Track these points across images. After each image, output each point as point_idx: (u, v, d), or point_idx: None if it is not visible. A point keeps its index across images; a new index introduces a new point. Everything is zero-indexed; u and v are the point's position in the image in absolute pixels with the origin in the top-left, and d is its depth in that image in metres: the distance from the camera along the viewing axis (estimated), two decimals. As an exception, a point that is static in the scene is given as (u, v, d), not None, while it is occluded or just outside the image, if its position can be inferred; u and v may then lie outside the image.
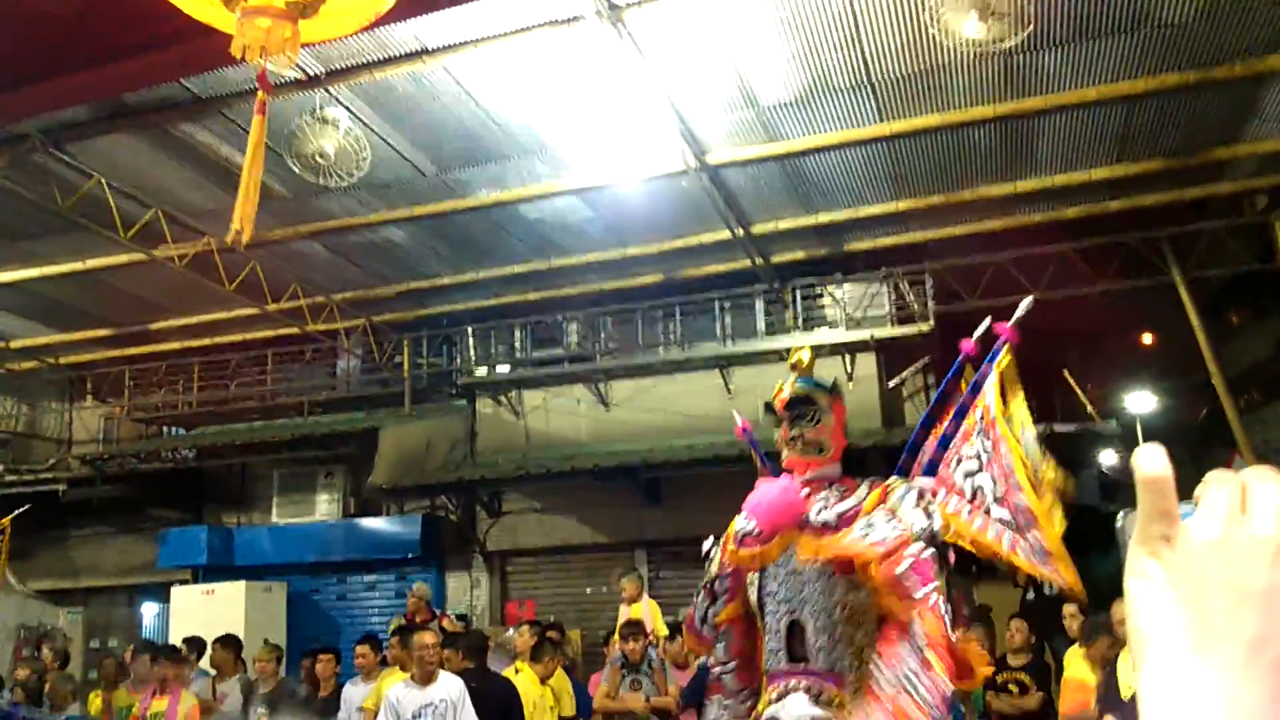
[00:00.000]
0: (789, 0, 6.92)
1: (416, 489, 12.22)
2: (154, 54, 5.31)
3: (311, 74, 7.52)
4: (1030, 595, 9.85)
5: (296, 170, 8.05)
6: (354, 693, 7.33)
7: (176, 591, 12.00)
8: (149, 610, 13.87)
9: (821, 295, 11.52)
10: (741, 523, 3.50)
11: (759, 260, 10.68)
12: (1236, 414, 10.51)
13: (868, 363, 11.12)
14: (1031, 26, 6.36)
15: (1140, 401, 16.06)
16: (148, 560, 13.04)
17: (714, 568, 3.65)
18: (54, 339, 13.32)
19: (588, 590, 12.04)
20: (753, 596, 3.53)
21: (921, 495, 3.32)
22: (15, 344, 13.27)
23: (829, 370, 11.12)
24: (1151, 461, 0.62)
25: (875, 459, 8.49)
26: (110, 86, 6.79)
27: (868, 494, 3.37)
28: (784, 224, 10.27)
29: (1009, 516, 3.31)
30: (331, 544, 12.43)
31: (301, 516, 12.94)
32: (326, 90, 7.74)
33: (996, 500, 3.35)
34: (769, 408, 3.59)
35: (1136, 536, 0.63)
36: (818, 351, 11.89)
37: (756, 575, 3.50)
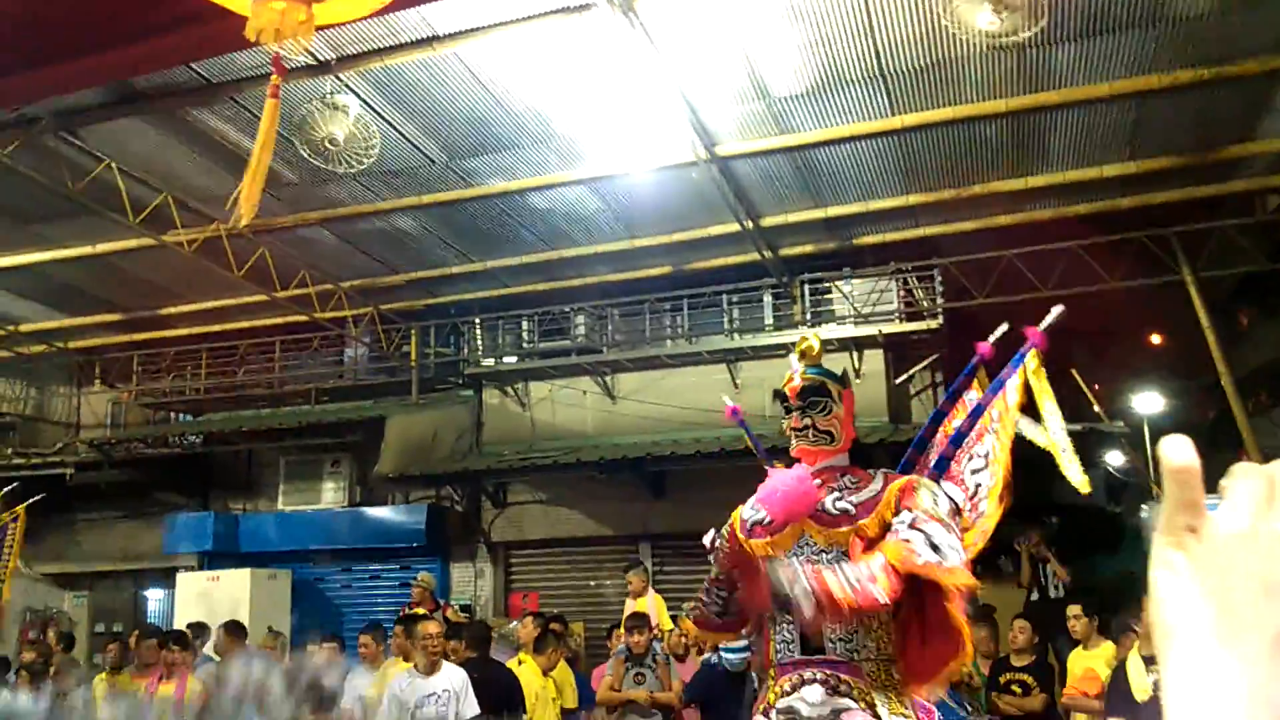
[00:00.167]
0: (802, -9, 6.89)
1: (422, 478, 12.23)
2: (165, 37, 5.29)
3: (322, 59, 7.52)
4: (1035, 596, 9.82)
5: (306, 155, 8.04)
6: (356, 681, 7.34)
7: (182, 577, 12.03)
8: (154, 595, 13.92)
9: (830, 290, 11.49)
10: (750, 512, 3.48)
11: (768, 253, 10.65)
12: (1245, 415, 10.46)
13: (875, 359, 11.09)
14: (1045, 20, 6.32)
15: (1148, 402, 15.99)
16: (154, 545, 13.08)
17: (719, 556, 3.65)
18: (63, 323, 13.34)
19: (592, 583, 12.05)
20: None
21: (958, 511, 3.30)
22: (24, 328, 13.30)
23: (838, 365, 11.06)
24: (1179, 452, 0.61)
25: (882, 455, 8.45)
26: (121, 70, 6.77)
27: (884, 485, 3.35)
28: (793, 217, 10.24)
29: (983, 511, 3.34)
30: (337, 532, 12.45)
31: (307, 504, 12.96)
32: (337, 77, 7.73)
33: (983, 498, 3.37)
34: (780, 395, 3.57)
35: (1162, 527, 0.62)
36: (826, 346, 11.84)
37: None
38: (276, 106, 4.38)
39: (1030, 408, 3.61)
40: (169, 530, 12.68)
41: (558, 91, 8.01)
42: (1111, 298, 10.38)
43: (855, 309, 11.16)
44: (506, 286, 12.12)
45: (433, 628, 6.34)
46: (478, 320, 12.84)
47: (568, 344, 12.37)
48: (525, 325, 12.60)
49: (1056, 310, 3.44)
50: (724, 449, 9.93)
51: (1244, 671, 0.56)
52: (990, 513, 3.38)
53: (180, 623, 9.74)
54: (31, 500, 10.32)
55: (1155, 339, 15.01)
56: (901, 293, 11.17)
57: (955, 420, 3.64)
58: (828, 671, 3.24)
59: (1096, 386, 12.06)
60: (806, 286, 11.50)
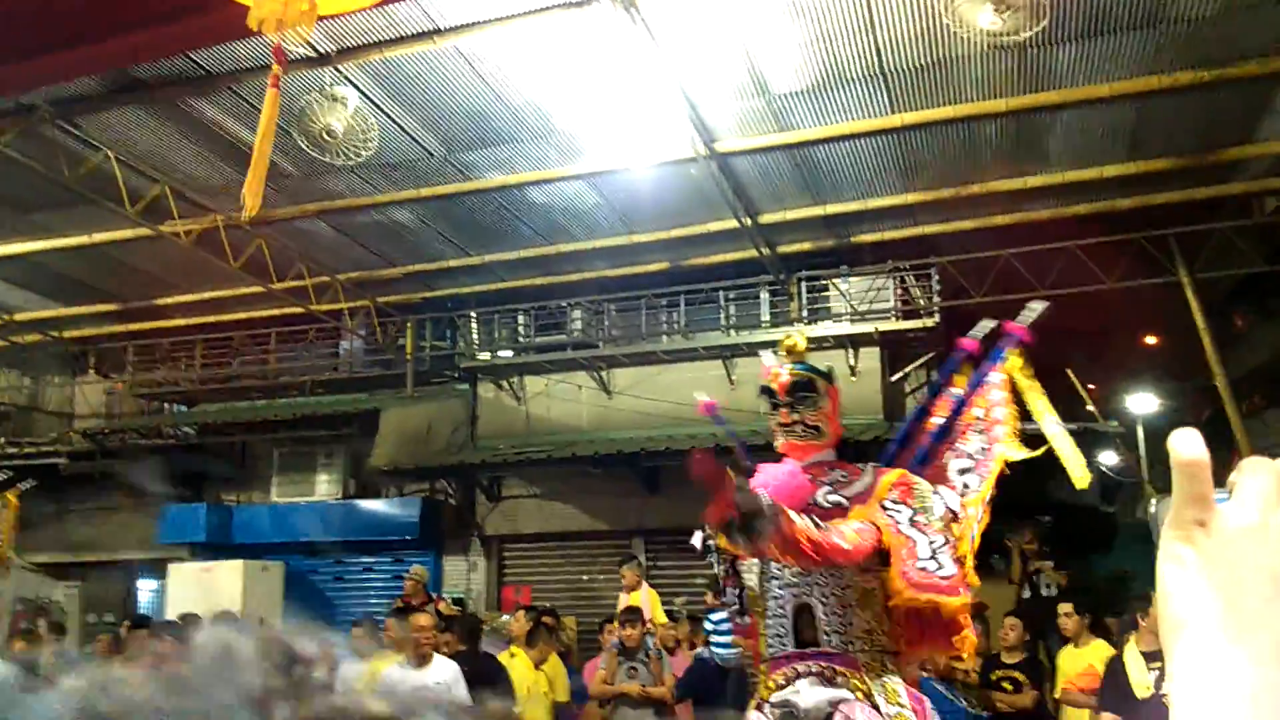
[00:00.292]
0: (803, -12, 6.88)
1: (416, 471, 12.22)
2: (165, 26, 5.29)
3: (322, 51, 7.50)
4: (1026, 594, 9.85)
5: (304, 147, 8.02)
6: (347, 673, 7.33)
7: (174, 568, 12.00)
8: (146, 586, 13.89)
9: (827, 288, 11.50)
10: None
11: (766, 250, 10.65)
12: (1239, 417, 10.48)
13: (871, 356, 11.10)
14: (1046, 20, 6.32)
15: (1143, 402, 16.02)
16: (146, 536, 13.06)
17: (715, 555, 3.64)
18: (58, 313, 13.30)
19: (585, 577, 12.04)
20: (751, 581, 3.51)
21: (954, 516, 3.33)
22: (19, 317, 13.27)
23: (834, 363, 11.05)
24: (1188, 445, 0.60)
25: (876, 452, 8.47)
26: (120, 59, 6.77)
27: (875, 479, 3.37)
28: (792, 214, 10.24)
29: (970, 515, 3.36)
30: (330, 524, 12.42)
31: (301, 496, 12.94)
32: (336, 68, 7.71)
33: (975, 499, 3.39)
34: (766, 392, 3.59)
35: (1170, 521, 0.61)
36: (822, 343, 11.90)
37: (757, 560, 3.49)
38: (277, 97, 4.38)
39: (1019, 405, 3.62)
40: (162, 521, 12.64)
41: (558, 86, 8.00)
42: (1108, 298, 10.40)
43: (852, 307, 11.16)
44: (503, 280, 12.11)
45: (425, 620, 6.34)
46: (474, 314, 12.82)
47: (564, 339, 12.36)
48: (521, 319, 12.59)
49: (1038, 306, 3.45)
50: (719, 445, 9.92)
51: (1253, 667, 0.56)
52: (977, 518, 3.40)
53: (172, 614, 9.73)
54: (21, 487, 10.29)
55: (1151, 340, 15.03)
56: (898, 291, 11.18)
57: (938, 415, 3.66)
58: (823, 664, 3.24)
59: (1092, 386, 12.07)
60: (804, 284, 11.51)
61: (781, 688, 3.27)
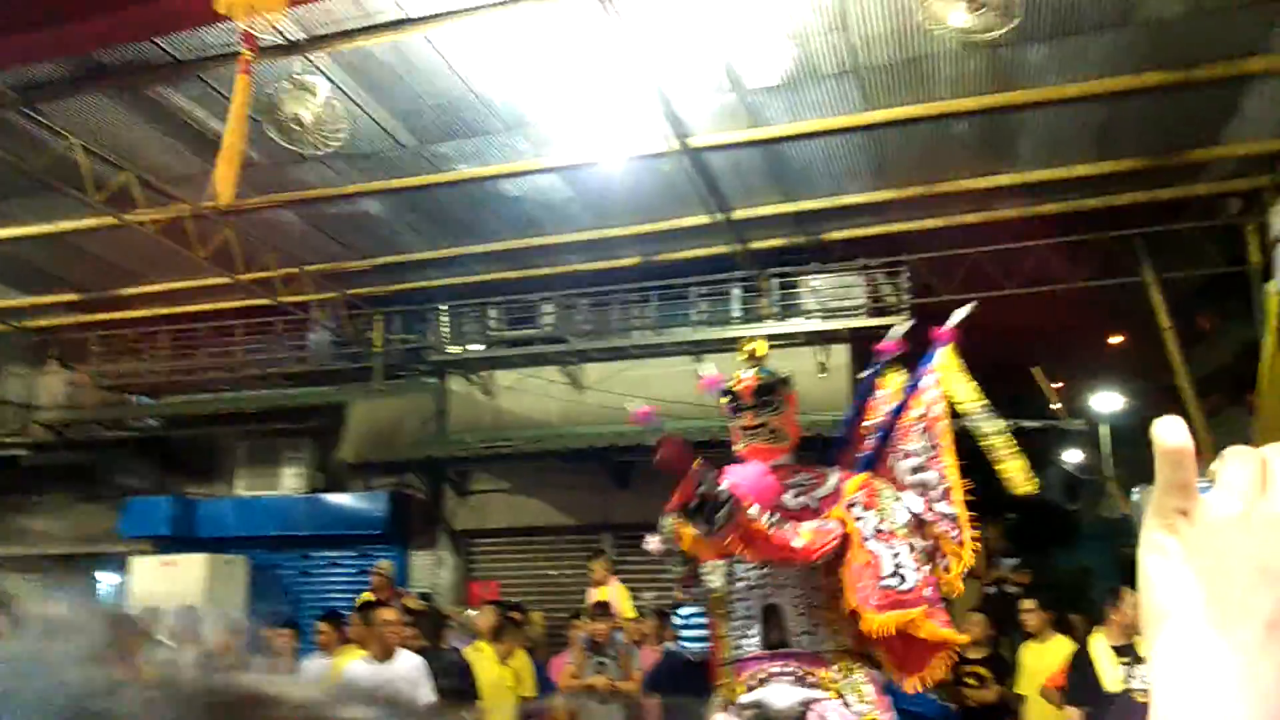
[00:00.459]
0: (777, -17, 6.89)
1: (384, 466, 12.13)
2: (130, 10, 5.19)
3: (291, 39, 7.40)
4: (991, 589, 9.94)
5: (272, 136, 7.93)
6: (312, 667, 7.28)
7: (136, 562, 11.85)
8: (108, 580, 13.70)
9: (798, 284, 11.53)
10: None
11: (737, 246, 10.67)
12: (1202, 417, 10.61)
13: (841, 354, 11.14)
14: (1018, 19, 6.35)
15: (1107, 401, 16.22)
16: (109, 529, 12.87)
17: (677, 556, 3.64)
18: (20, 302, 13.09)
19: (553, 572, 12.01)
20: (718, 583, 3.52)
21: (921, 524, 3.36)
22: (-21, 306, 13.05)
23: (804, 360, 11.13)
24: (1171, 432, 0.60)
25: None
26: (84, 43, 6.66)
27: (839, 483, 3.40)
28: (764, 210, 10.26)
29: (948, 513, 3.40)
30: (296, 518, 12.29)
31: (266, 490, 12.79)
32: (306, 57, 7.63)
33: (941, 498, 3.43)
34: (730, 395, 3.61)
35: (1152, 510, 0.61)
36: (792, 340, 11.93)
37: (722, 562, 3.50)
38: (247, 83, 4.33)
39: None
40: (124, 514, 12.47)
41: (530, 78, 7.95)
42: (1075, 297, 10.52)
43: (822, 304, 11.21)
44: (474, 274, 12.04)
45: (390, 614, 6.30)
46: (444, 307, 12.74)
47: (534, 333, 12.31)
48: (492, 313, 12.53)
49: (964, 309, 3.53)
50: (689, 440, 9.93)
51: (1236, 657, 0.55)
52: (958, 513, 3.45)
53: (134, 608, 9.59)
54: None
55: (1116, 339, 15.21)
56: (868, 288, 11.24)
57: (870, 419, 3.76)
58: (794, 664, 3.27)
59: (1058, 384, 12.20)
60: (775, 280, 11.53)
61: (752, 689, 3.29)
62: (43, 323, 13.82)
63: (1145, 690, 5.46)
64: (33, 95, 8.22)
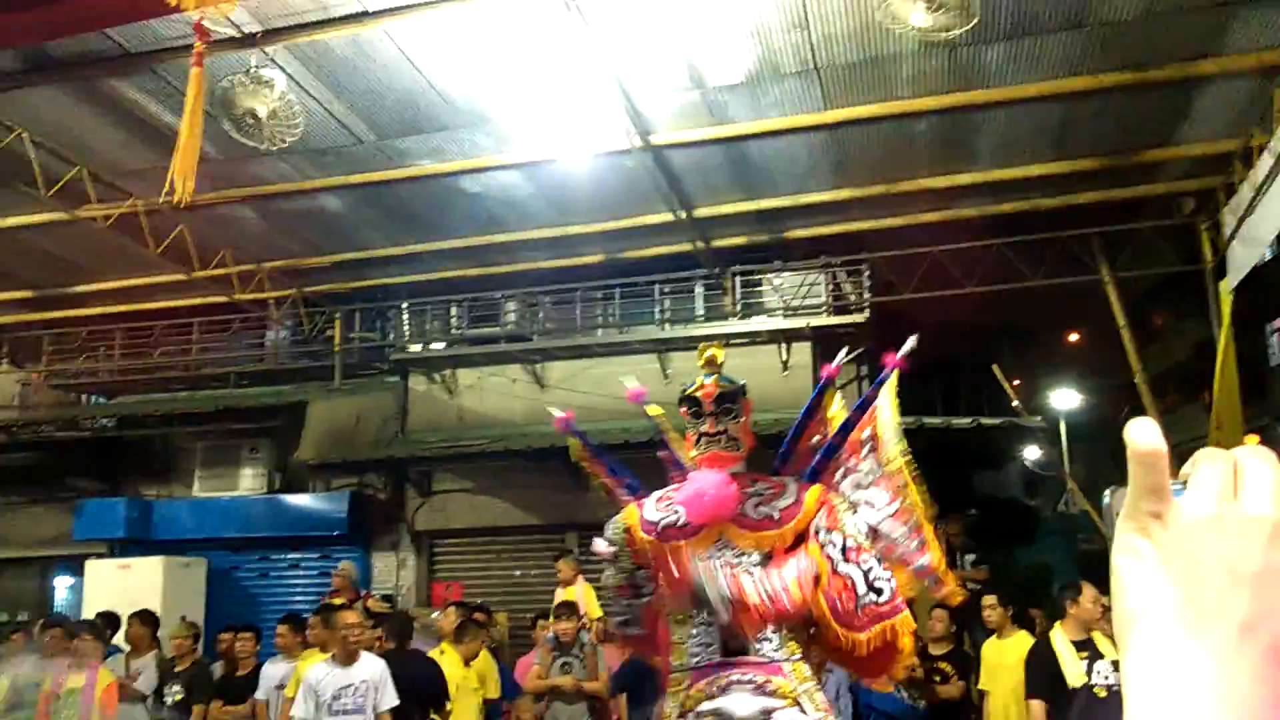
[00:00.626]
0: (738, -19, 6.88)
1: (345, 466, 12.00)
2: (78, 1, 5.08)
3: (247, 32, 7.29)
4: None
5: (227, 130, 7.81)
6: (273, 671, 7.18)
7: (91, 565, 11.64)
8: (62, 584, 13.44)
9: (760, 282, 11.57)
10: (656, 514, 3.49)
11: (700, 244, 10.67)
12: (1158, 414, 10.77)
13: (803, 351, 11.19)
14: (977, 19, 6.40)
15: (1065, 398, 16.44)
16: (62, 532, 12.63)
17: (622, 559, 3.63)
18: (-32, 300, 12.81)
19: (517, 573, 11.95)
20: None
21: (876, 534, 3.44)
22: (-74, 304, 12.74)
23: (766, 357, 11.17)
24: (1144, 434, 0.58)
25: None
26: (32, 33, 6.50)
27: (799, 494, 3.49)
28: (726, 208, 10.28)
29: (903, 528, 3.44)
30: (255, 520, 12.14)
31: (224, 491, 12.62)
32: (263, 50, 7.51)
33: (891, 516, 3.50)
34: (691, 402, 3.61)
35: (1125, 512, 0.60)
36: (755, 338, 11.96)
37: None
38: (201, 75, 4.25)
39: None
40: (79, 516, 12.24)
41: (492, 73, 7.89)
42: (1033, 296, 10.63)
43: (785, 302, 11.25)
44: (435, 271, 11.95)
45: (352, 617, 6.22)
46: (405, 305, 12.64)
47: (497, 331, 12.24)
48: (454, 311, 12.44)
49: (910, 341, 3.61)
50: (652, 439, 9.91)
51: (1209, 660, 0.55)
52: (937, 554, 3.52)
53: (89, 612, 9.42)
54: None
55: (1074, 337, 15.42)
56: (830, 286, 11.30)
57: (812, 437, 3.83)
58: (754, 672, 3.29)
59: (1017, 382, 12.34)
60: (737, 278, 11.56)
61: (712, 696, 3.30)
62: (-7, 321, 13.53)
63: (1106, 685, 5.53)
64: (-20, 87, 8.04)
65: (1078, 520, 13.66)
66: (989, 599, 7.43)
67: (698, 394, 3.61)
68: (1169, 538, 0.58)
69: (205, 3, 3.55)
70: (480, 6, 7.00)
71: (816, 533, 3.40)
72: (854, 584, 3.29)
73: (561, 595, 8.53)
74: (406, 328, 12.78)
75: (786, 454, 3.82)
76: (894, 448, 3.53)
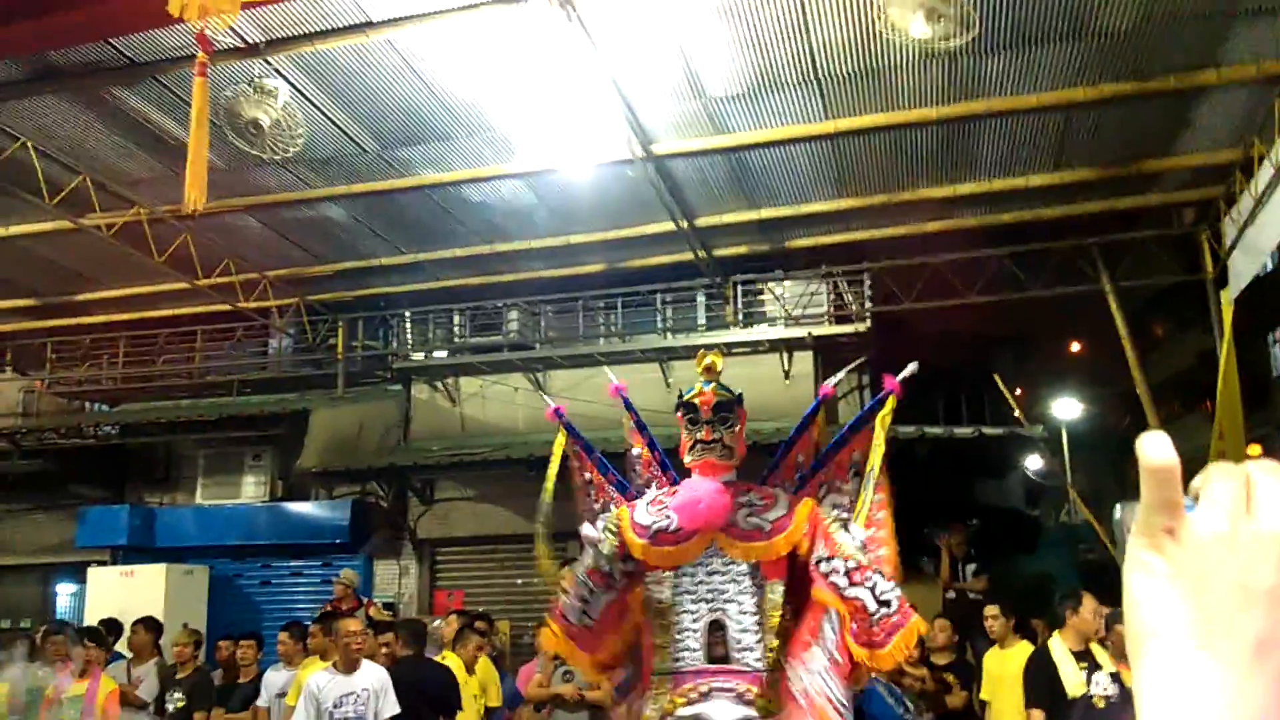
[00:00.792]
0: (739, -8, 6.91)
1: (347, 474, 12.01)
2: (82, 10, 5.11)
3: (251, 42, 7.33)
4: (950, 595, 10.01)
5: (231, 140, 7.84)
6: (274, 678, 7.19)
7: (94, 572, 11.66)
8: (65, 591, 13.46)
9: (762, 292, 11.59)
10: (648, 517, 3.50)
11: (702, 253, 10.69)
12: (1159, 424, 10.77)
13: (805, 360, 11.21)
14: (976, 30, 6.43)
15: (1066, 408, 16.43)
16: (65, 539, 12.65)
17: (605, 549, 3.63)
18: (-28, 308, 12.84)
19: (519, 581, 11.95)
20: (664, 594, 3.53)
21: (865, 547, 3.49)
22: (-70, 312, 12.78)
23: (768, 366, 11.18)
24: (1157, 449, 0.58)
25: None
26: (36, 43, 6.53)
27: (790, 506, 3.51)
28: (728, 218, 10.30)
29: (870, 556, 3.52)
30: (257, 528, 12.16)
31: (227, 498, 12.65)
32: (266, 60, 7.54)
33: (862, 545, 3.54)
34: (689, 407, 3.63)
35: (1138, 528, 0.60)
36: (756, 347, 11.94)
37: (670, 573, 3.52)
38: (205, 85, 4.28)
39: None
40: (82, 523, 12.26)
41: (494, 83, 7.92)
42: (1034, 305, 10.63)
43: (786, 311, 11.27)
44: (438, 280, 11.98)
45: (354, 625, 6.22)
46: (408, 314, 12.66)
47: (500, 339, 12.26)
48: (457, 320, 12.46)
49: (910, 367, 3.65)
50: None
51: (1223, 678, 0.55)
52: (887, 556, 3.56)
53: (92, 619, 9.43)
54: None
55: (1075, 347, 15.42)
56: (832, 296, 11.32)
57: (802, 453, 3.89)
58: (736, 680, 3.30)
59: (1018, 391, 12.34)
60: (739, 288, 11.58)
61: (693, 702, 3.32)
62: (-3, 329, 13.57)
63: (1105, 696, 5.53)
64: (-15, 97, 8.08)
65: (1080, 530, 13.63)
66: (991, 609, 7.42)
67: (695, 400, 3.63)
68: (1182, 554, 0.58)
69: (207, 12, 3.57)
70: (483, 17, 7.03)
71: (818, 564, 3.41)
72: (864, 604, 3.31)
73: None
74: (409, 336, 12.81)
75: (775, 465, 3.85)
76: (869, 490, 3.61)
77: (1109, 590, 5.92)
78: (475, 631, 7.54)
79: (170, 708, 7.50)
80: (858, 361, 11.09)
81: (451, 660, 7.16)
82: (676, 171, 9.37)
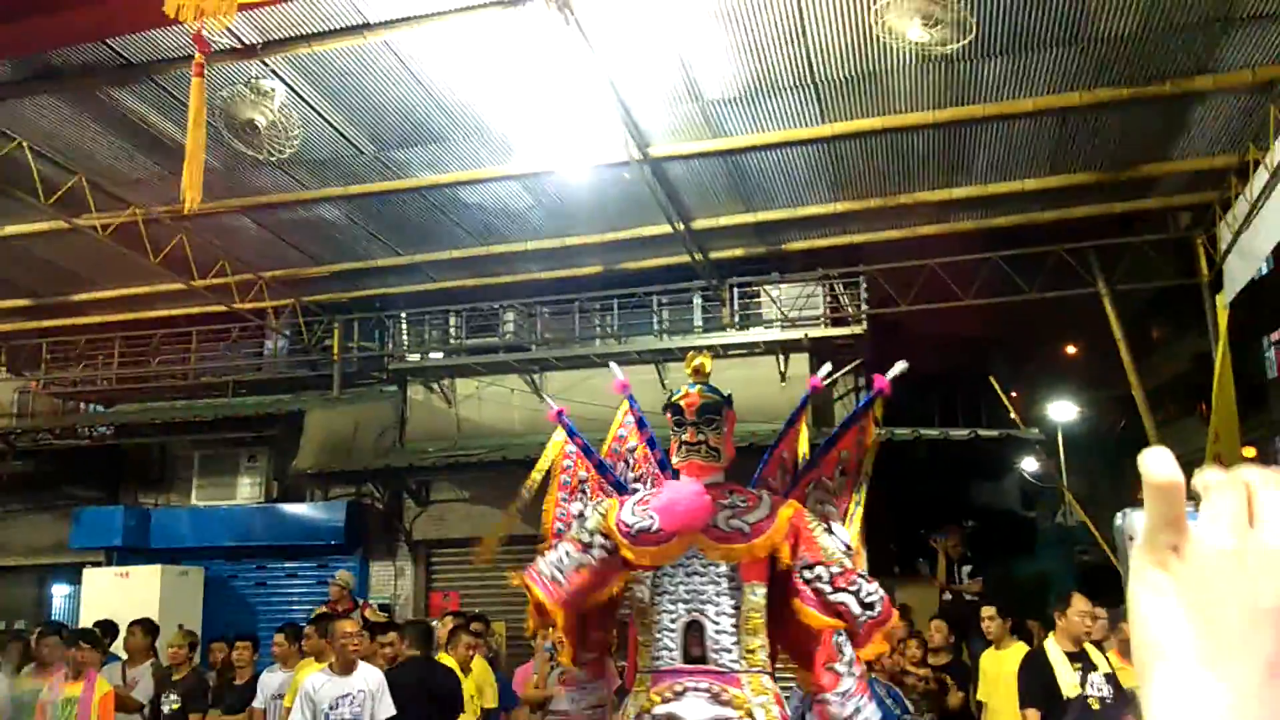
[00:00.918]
0: (736, -5, 6.92)
1: (342, 475, 12.00)
2: (78, 11, 5.10)
3: (247, 43, 7.32)
4: (947, 596, 10.02)
5: (227, 140, 7.83)
6: (270, 680, 7.17)
7: (89, 573, 11.63)
8: (59, 592, 13.44)
9: (758, 294, 11.60)
10: (634, 518, 3.51)
11: (698, 256, 10.70)
12: (1155, 426, 10.80)
13: (801, 362, 11.21)
14: (973, 35, 6.44)
15: (1062, 410, 16.46)
16: (60, 540, 12.63)
17: (590, 524, 3.65)
18: (-33, 308, 12.81)
19: (515, 582, 11.93)
20: (644, 594, 3.55)
21: (846, 547, 3.55)
22: (-75, 312, 12.75)
23: (764, 368, 11.19)
24: (1161, 466, 0.57)
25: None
26: (32, 43, 6.53)
27: (772, 509, 3.52)
28: (724, 220, 10.32)
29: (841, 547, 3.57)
30: (252, 529, 12.15)
31: (222, 499, 12.63)
32: (263, 61, 7.54)
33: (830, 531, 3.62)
34: (674, 409, 3.65)
35: (1143, 545, 0.59)
36: (753, 349, 11.95)
37: (650, 573, 3.53)
38: (202, 86, 4.28)
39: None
40: (76, 524, 12.24)
41: (491, 85, 7.92)
42: (1030, 308, 10.65)
43: (783, 313, 11.28)
44: (434, 281, 11.97)
45: (350, 627, 6.22)
46: (404, 315, 12.66)
47: (496, 341, 12.26)
48: (453, 321, 12.46)
49: (899, 365, 3.67)
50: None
51: (1234, 698, 0.54)
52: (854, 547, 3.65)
53: (87, 620, 9.40)
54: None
55: (1071, 350, 15.45)
56: (828, 298, 11.33)
57: (787, 449, 3.94)
58: (710, 680, 3.32)
59: (1014, 394, 12.36)
60: (735, 290, 11.59)
61: (668, 700, 3.33)
62: (-9, 329, 13.54)
63: (1100, 697, 5.54)
64: (-20, 96, 8.06)
65: (1075, 532, 13.67)
66: (988, 610, 7.43)
67: (680, 402, 3.65)
68: (1187, 571, 0.57)
69: (203, 13, 3.57)
70: (480, 19, 7.03)
71: (801, 571, 3.44)
72: (849, 608, 3.36)
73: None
74: (405, 337, 12.80)
75: (765, 462, 3.88)
76: (862, 492, 3.69)
77: (1105, 591, 5.94)
78: (470, 633, 7.53)
79: (166, 709, 7.48)
80: (854, 364, 11.13)
81: (446, 662, 7.16)
82: (673, 174, 9.38)
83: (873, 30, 6.94)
